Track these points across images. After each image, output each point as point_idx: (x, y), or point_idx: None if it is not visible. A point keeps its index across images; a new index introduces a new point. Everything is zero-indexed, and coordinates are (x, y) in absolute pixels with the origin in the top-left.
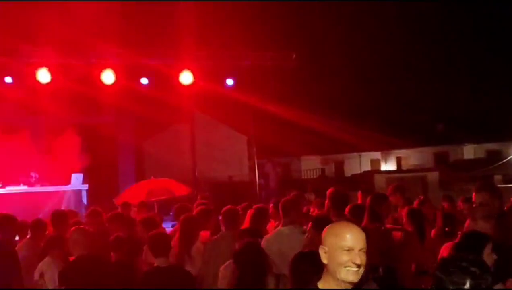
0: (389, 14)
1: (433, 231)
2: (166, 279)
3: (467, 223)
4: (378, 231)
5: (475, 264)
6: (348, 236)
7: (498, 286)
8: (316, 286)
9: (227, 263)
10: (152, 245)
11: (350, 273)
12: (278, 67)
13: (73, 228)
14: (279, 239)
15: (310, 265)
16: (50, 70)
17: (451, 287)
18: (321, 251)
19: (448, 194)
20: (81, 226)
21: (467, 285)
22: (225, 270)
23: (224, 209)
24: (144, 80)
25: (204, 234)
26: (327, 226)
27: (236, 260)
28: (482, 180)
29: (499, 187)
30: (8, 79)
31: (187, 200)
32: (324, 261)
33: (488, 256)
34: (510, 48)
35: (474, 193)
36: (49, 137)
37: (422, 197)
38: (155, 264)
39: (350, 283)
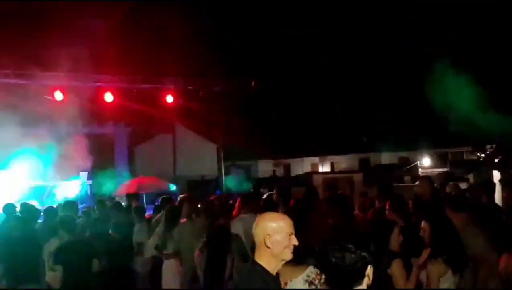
0: (327, 46)
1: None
2: None
3: None
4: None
5: (356, 245)
6: (287, 224)
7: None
8: (258, 263)
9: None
10: None
11: (289, 253)
12: (241, 90)
13: None
14: (242, 223)
15: None
16: (62, 91)
17: (333, 260)
18: (262, 237)
19: (366, 191)
20: None
21: (346, 259)
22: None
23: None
24: (137, 100)
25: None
26: (268, 216)
27: (208, 241)
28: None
29: (407, 185)
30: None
31: (168, 193)
32: (268, 245)
33: (396, 237)
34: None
35: None
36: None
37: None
38: None
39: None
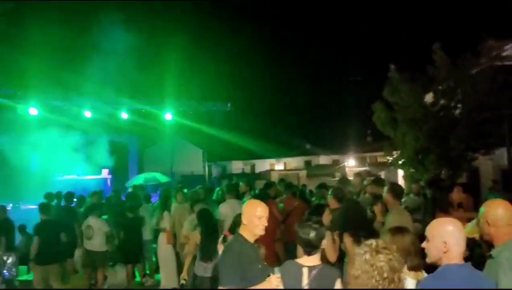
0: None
1: None
2: None
3: None
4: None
5: (316, 223)
6: (261, 210)
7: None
8: (240, 234)
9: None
10: None
11: (261, 231)
12: (220, 110)
13: None
14: (229, 205)
15: None
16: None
17: (302, 236)
18: (244, 217)
19: (305, 184)
20: None
21: (311, 235)
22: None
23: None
24: (145, 117)
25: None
26: (250, 203)
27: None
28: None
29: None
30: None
31: (167, 185)
32: (244, 222)
33: (327, 217)
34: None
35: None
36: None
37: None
38: None
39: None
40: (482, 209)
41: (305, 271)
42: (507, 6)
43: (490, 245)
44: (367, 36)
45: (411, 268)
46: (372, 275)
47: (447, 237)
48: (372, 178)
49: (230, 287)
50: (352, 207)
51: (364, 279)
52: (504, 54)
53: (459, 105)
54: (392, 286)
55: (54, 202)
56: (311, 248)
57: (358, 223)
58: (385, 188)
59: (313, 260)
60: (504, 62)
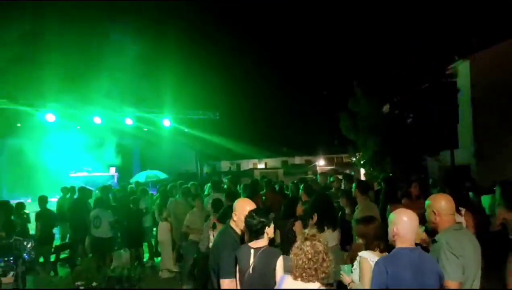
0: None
1: None
2: None
3: None
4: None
5: (259, 213)
6: (250, 208)
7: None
8: (230, 226)
9: None
10: None
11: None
12: (209, 118)
13: None
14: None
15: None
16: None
17: (247, 223)
18: (235, 211)
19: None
20: None
21: (254, 222)
22: None
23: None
24: (147, 123)
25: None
26: (240, 200)
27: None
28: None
29: (310, 177)
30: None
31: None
32: (235, 218)
33: (299, 208)
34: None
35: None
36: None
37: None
38: None
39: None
40: (428, 201)
41: (252, 252)
42: (451, 30)
43: (433, 233)
44: (336, 55)
45: (377, 250)
46: (300, 257)
47: (396, 224)
48: (340, 176)
49: (230, 278)
50: (319, 199)
51: (294, 260)
52: (448, 72)
53: (411, 115)
54: (324, 265)
55: (68, 195)
56: (255, 233)
57: (323, 213)
58: (354, 185)
59: (260, 243)
60: (448, 79)
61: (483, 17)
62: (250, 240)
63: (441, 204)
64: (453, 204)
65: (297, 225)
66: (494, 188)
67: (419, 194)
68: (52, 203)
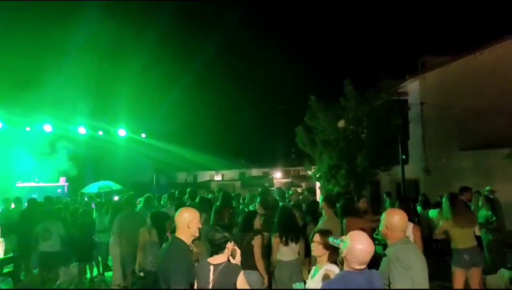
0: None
1: None
2: None
3: None
4: None
5: (221, 227)
6: (198, 215)
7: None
8: (179, 238)
9: None
10: None
11: (198, 233)
12: (167, 128)
13: None
14: (169, 211)
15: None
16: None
17: (209, 237)
18: (186, 223)
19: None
20: None
21: (216, 237)
22: None
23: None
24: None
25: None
26: (190, 210)
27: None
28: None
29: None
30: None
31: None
32: (186, 227)
33: (257, 221)
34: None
35: None
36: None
37: None
38: None
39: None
40: (383, 215)
41: (211, 268)
42: (401, 52)
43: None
44: (294, 71)
45: (334, 262)
46: None
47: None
48: (299, 189)
49: (180, 287)
50: (282, 213)
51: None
52: (399, 90)
53: (364, 130)
54: None
55: (13, 207)
56: (216, 247)
57: (286, 226)
58: (321, 198)
59: (220, 258)
60: (399, 97)
61: (434, 37)
62: (210, 255)
63: (394, 220)
64: (406, 222)
65: (256, 240)
66: (440, 199)
67: (367, 209)
68: None
